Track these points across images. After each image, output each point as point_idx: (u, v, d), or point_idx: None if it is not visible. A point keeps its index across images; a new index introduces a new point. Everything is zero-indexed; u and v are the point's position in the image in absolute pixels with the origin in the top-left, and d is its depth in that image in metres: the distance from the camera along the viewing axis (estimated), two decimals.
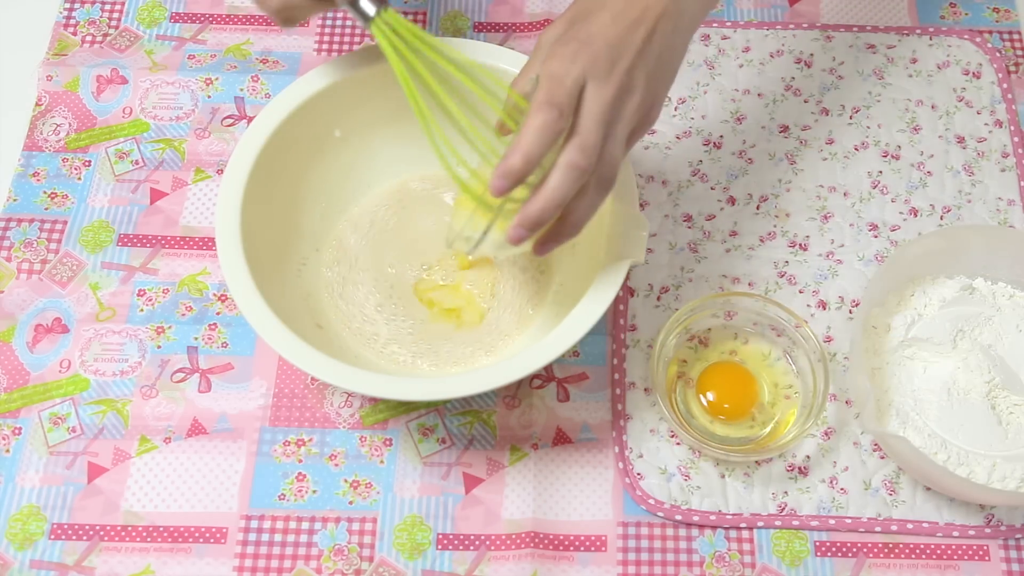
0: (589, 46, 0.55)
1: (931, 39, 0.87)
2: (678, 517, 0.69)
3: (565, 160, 0.54)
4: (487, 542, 0.69)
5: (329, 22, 0.87)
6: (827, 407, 0.71)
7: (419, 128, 0.60)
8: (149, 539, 0.68)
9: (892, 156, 0.82)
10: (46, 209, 0.79)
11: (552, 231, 0.58)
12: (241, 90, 0.84)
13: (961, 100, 0.84)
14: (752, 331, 0.73)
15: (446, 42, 0.68)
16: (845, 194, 0.80)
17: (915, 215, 0.79)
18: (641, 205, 0.78)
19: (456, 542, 0.69)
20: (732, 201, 0.80)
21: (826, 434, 0.72)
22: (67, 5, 0.88)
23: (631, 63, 0.56)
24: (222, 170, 0.79)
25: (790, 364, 0.72)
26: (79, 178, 0.80)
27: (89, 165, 0.81)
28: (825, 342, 0.75)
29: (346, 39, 0.87)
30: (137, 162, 0.81)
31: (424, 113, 0.59)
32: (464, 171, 0.59)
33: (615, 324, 0.75)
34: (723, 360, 0.73)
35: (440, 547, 0.69)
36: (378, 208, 0.77)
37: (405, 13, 0.88)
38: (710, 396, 0.71)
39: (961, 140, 0.82)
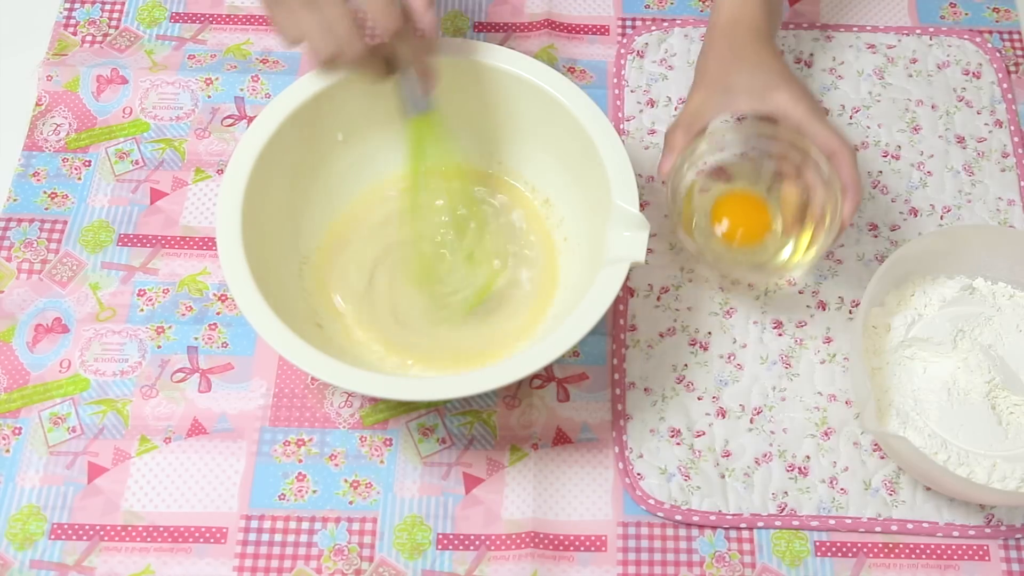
0: None
1: (931, 39, 0.87)
2: (678, 517, 0.69)
3: None
4: (487, 542, 0.69)
5: None
6: (839, 234, 0.69)
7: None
8: (149, 539, 0.68)
9: (892, 156, 0.82)
10: (46, 209, 0.79)
11: None
12: (241, 90, 0.84)
13: (961, 100, 0.84)
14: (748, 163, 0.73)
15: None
16: None
17: (915, 215, 0.79)
18: (641, 205, 0.78)
19: (456, 542, 0.69)
20: None
21: (826, 434, 0.72)
22: (67, 5, 0.88)
23: None
24: (222, 170, 0.79)
25: (797, 187, 0.71)
26: (79, 178, 0.80)
27: (89, 165, 0.81)
28: (825, 343, 0.75)
29: None
30: (137, 162, 0.81)
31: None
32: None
33: (615, 324, 0.75)
34: (734, 190, 0.72)
35: (440, 547, 0.69)
36: (379, 206, 0.77)
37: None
38: (724, 224, 0.70)
39: (961, 140, 0.82)
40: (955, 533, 0.69)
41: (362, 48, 0.61)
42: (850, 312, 0.76)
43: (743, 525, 0.69)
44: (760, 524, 0.69)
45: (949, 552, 0.69)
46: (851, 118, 0.83)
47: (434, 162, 0.70)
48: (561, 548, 0.68)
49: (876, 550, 0.69)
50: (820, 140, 0.67)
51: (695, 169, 0.72)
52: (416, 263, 0.74)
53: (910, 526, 0.69)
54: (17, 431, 0.71)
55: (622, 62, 0.85)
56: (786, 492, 0.70)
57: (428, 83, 0.66)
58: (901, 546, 0.69)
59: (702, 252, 0.70)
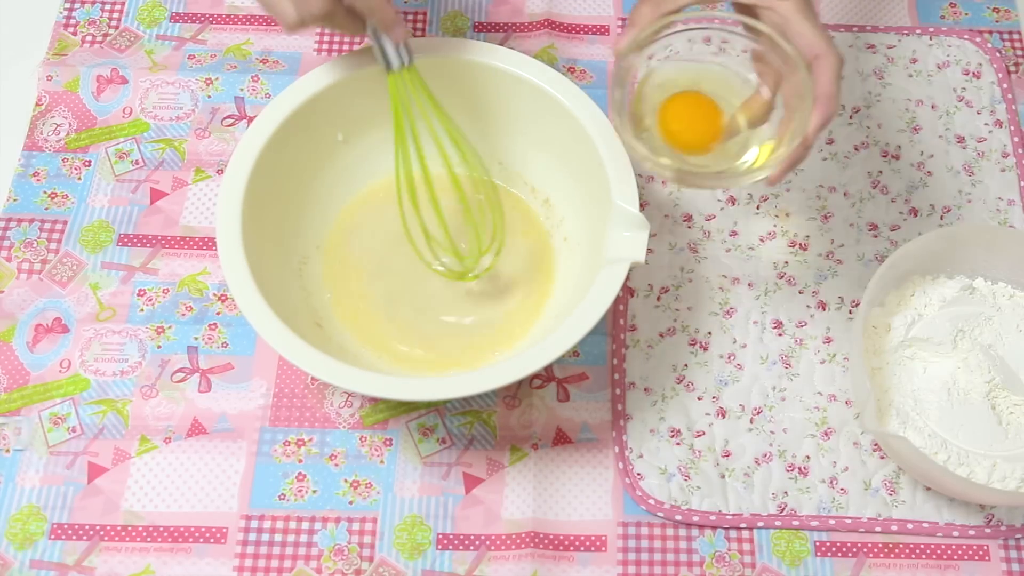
0: None
1: (931, 39, 0.87)
2: (678, 517, 0.69)
3: None
4: (487, 542, 0.69)
5: None
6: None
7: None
8: (149, 539, 0.68)
9: (892, 156, 0.82)
10: (46, 209, 0.79)
11: None
12: (241, 90, 0.84)
13: (961, 100, 0.84)
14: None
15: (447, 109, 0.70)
16: (845, 194, 0.80)
17: (915, 215, 0.79)
18: (641, 205, 0.78)
19: (456, 542, 0.69)
20: (732, 201, 0.80)
21: (826, 434, 0.72)
22: (67, 5, 0.87)
23: None
24: (222, 170, 0.79)
25: (763, 91, 0.63)
26: (79, 178, 0.80)
27: (89, 165, 0.81)
28: (825, 343, 0.75)
29: (346, 39, 0.87)
30: (137, 162, 0.81)
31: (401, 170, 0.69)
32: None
33: (615, 324, 0.75)
34: (683, 91, 0.64)
35: (440, 547, 0.69)
36: (378, 204, 0.77)
37: (405, 13, 0.88)
38: (669, 130, 0.63)
39: (961, 140, 0.82)
40: (955, 533, 0.69)
41: (323, 6, 0.61)
42: (850, 312, 0.76)
43: (743, 525, 0.69)
44: (760, 524, 0.69)
45: (949, 552, 0.69)
46: (851, 118, 0.83)
47: (420, 116, 0.68)
48: (561, 548, 0.68)
49: (876, 550, 0.69)
50: (804, 40, 0.60)
51: (657, 57, 0.63)
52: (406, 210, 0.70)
53: (910, 526, 0.69)
54: (17, 431, 0.71)
55: None
56: (786, 492, 0.70)
57: (395, 35, 0.65)
58: (901, 546, 0.69)
59: (650, 158, 0.61)
